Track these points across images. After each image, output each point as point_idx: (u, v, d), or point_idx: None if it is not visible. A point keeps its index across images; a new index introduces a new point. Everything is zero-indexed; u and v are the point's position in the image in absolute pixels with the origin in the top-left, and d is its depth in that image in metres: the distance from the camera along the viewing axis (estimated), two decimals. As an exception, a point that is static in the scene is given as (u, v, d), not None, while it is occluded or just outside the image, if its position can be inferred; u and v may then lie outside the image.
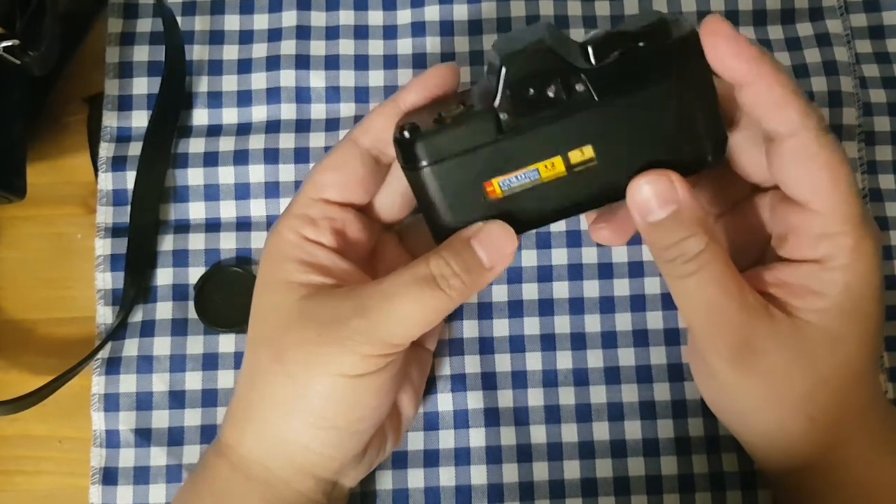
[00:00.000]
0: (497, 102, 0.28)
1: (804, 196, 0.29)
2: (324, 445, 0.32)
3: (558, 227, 0.39)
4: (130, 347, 0.39)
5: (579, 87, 0.28)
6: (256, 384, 0.32)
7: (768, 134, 0.29)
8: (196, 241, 0.40)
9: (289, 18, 0.42)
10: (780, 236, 0.31)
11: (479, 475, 0.37)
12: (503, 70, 0.28)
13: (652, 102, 0.28)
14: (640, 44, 0.28)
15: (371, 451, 0.35)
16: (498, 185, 0.30)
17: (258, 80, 0.41)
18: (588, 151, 0.29)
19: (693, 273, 0.29)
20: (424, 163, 0.29)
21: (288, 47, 0.41)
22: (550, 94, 0.28)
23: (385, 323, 0.30)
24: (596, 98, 0.28)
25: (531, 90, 0.28)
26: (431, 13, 0.42)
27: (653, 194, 0.29)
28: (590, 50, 0.28)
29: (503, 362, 0.38)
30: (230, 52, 0.42)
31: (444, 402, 0.38)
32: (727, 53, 0.28)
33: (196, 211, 0.40)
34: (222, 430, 0.34)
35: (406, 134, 0.29)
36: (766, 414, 0.31)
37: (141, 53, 0.42)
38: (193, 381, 0.38)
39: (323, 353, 0.30)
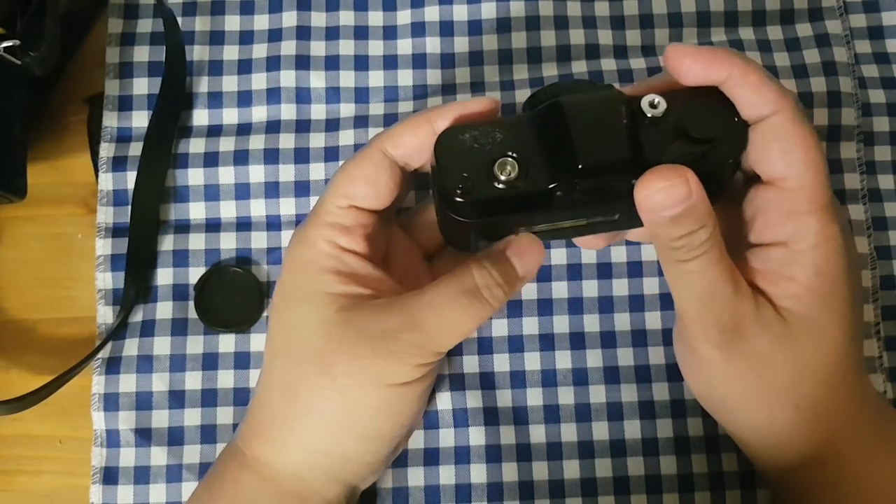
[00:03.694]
0: (559, 192, 0.29)
1: (778, 171, 0.30)
2: (364, 454, 0.33)
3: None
4: (130, 347, 0.39)
5: (633, 182, 0.29)
6: (298, 399, 0.32)
7: (751, 119, 0.30)
8: (196, 241, 0.40)
9: (289, 19, 0.42)
10: (749, 219, 0.32)
11: (478, 474, 0.37)
12: (580, 169, 0.28)
13: None
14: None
15: (391, 454, 0.35)
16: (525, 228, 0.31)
17: (258, 81, 0.41)
18: (615, 215, 0.31)
19: (697, 257, 0.29)
20: (470, 219, 0.30)
21: (288, 48, 0.41)
22: (612, 188, 0.29)
23: (438, 335, 0.31)
24: None
25: (597, 189, 0.29)
26: (431, 13, 0.42)
27: (667, 196, 0.28)
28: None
29: (502, 362, 0.38)
30: (230, 53, 0.42)
31: (443, 400, 0.38)
32: (697, 66, 0.29)
33: (196, 211, 0.40)
34: (245, 442, 0.33)
35: (459, 199, 0.29)
36: (753, 403, 0.32)
37: (141, 54, 0.42)
38: (193, 380, 0.39)
39: (376, 367, 0.31)
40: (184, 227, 0.40)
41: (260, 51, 0.42)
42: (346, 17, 0.42)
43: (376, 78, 0.42)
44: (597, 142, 0.28)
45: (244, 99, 0.41)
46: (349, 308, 0.31)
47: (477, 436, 0.38)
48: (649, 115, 0.29)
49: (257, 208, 0.40)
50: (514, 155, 0.29)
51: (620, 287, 0.39)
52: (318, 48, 0.42)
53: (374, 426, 0.32)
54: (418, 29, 0.42)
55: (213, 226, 0.40)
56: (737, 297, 0.30)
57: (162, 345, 0.39)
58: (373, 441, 0.33)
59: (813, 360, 0.31)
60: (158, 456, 0.38)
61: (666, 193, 0.28)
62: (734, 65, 0.29)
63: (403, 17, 0.42)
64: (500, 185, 0.29)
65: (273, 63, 0.41)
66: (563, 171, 0.28)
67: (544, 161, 0.29)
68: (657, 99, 0.29)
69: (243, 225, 0.40)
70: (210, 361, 0.39)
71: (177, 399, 0.38)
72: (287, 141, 0.40)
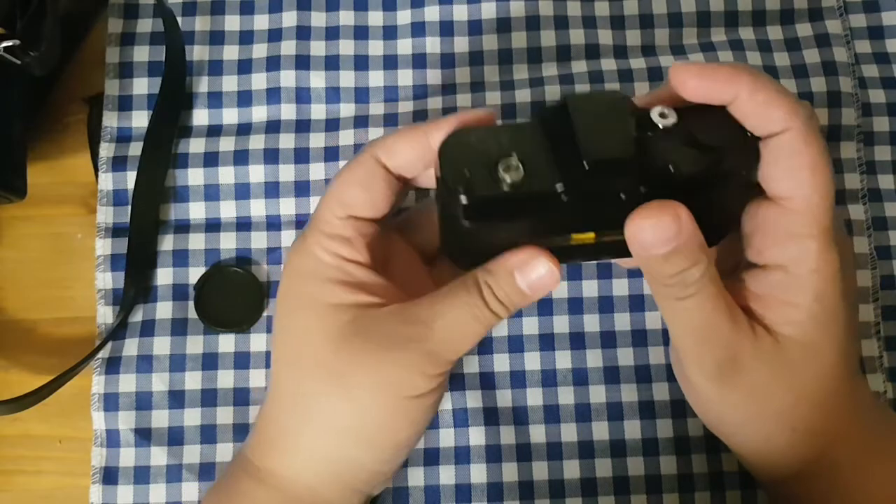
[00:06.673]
0: (564, 196, 0.28)
1: (783, 190, 0.29)
2: (377, 463, 0.32)
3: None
4: (130, 347, 0.39)
5: (642, 189, 0.28)
6: (310, 410, 0.32)
7: (761, 136, 0.29)
8: (196, 241, 0.40)
9: (289, 19, 0.42)
10: (748, 236, 0.31)
11: (478, 474, 0.37)
12: (588, 169, 0.27)
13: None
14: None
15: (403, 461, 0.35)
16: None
17: (258, 81, 0.41)
18: (622, 229, 0.29)
19: (691, 295, 0.29)
20: (472, 223, 0.28)
21: (288, 47, 0.41)
22: (620, 192, 0.28)
23: (447, 344, 0.30)
24: None
25: (602, 193, 0.28)
26: (431, 13, 0.42)
27: (656, 236, 0.27)
28: (672, 168, 0.27)
29: (502, 362, 0.38)
30: (230, 53, 0.42)
31: (444, 400, 0.38)
32: (703, 86, 0.28)
33: (196, 211, 0.40)
34: (255, 454, 0.33)
35: (463, 199, 0.27)
36: (751, 428, 0.32)
37: (141, 53, 0.42)
38: (193, 380, 0.38)
39: (390, 377, 0.30)
40: (184, 227, 0.40)
41: (260, 51, 0.42)
42: (346, 17, 0.42)
43: (376, 78, 0.42)
44: (603, 140, 0.27)
45: (244, 99, 0.41)
46: (357, 318, 0.31)
47: (477, 436, 0.38)
48: (661, 125, 0.28)
49: (257, 208, 0.40)
50: (519, 156, 0.28)
51: (620, 287, 0.39)
52: (318, 48, 0.42)
53: (390, 436, 0.32)
54: (418, 29, 0.42)
55: (213, 226, 0.40)
56: (734, 332, 0.29)
57: (162, 345, 0.39)
58: (388, 450, 0.32)
59: (811, 385, 0.30)
60: (158, 456, 0.38)
61: (655, 231, 0.27)
62: (742, 84, 0.28)
63: (403, 17, 0.42)
64: (504, 187, 0.28)
65: (273, 63, 0.41)
66: (568, 171, 0.28)
67: (549, 162, 0.28)
68: (667, 110, 0.28)
69: (243, 225, 0.40)
70: (210, 361, 0.39)
71: (177, 399, 0.38)
72: (287, 141, 0.40)
